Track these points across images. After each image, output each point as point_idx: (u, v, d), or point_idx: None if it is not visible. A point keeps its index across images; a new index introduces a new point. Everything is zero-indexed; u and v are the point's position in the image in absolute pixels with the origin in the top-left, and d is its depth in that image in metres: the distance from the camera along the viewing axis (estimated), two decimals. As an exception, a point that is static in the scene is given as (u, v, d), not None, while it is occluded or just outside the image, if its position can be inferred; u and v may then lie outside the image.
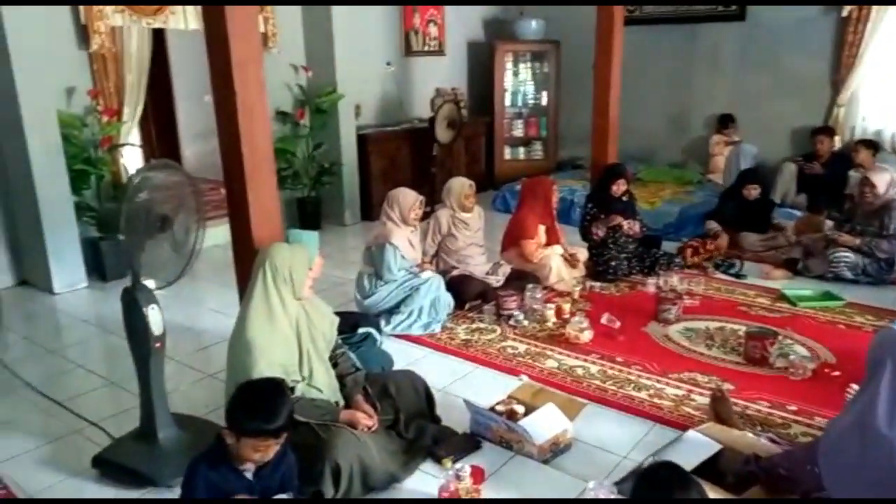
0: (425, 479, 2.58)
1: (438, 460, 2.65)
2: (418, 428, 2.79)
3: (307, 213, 6.27)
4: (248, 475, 1.99)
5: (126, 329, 2.59)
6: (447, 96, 7.16)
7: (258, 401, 1.94)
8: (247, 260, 2.81)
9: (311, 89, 6.17)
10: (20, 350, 3.82)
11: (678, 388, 3.23)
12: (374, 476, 2.47)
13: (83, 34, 4.73)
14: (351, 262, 4.90)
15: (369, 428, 2.59)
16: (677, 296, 4.15)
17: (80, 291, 4.68)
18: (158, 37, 6.06)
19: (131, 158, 5.36)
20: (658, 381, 3.29)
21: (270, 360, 2.49)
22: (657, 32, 7.31)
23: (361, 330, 3.53)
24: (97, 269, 4.87)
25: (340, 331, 2.87)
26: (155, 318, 2.54)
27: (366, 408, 2.69)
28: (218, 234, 4.20)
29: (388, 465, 2.53)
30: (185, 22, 5.20)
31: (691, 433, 2.64)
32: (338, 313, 2.95)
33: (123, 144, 5.05)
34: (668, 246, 5.18)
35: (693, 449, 2.50)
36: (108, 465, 2.58)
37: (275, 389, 2.00)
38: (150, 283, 2.56)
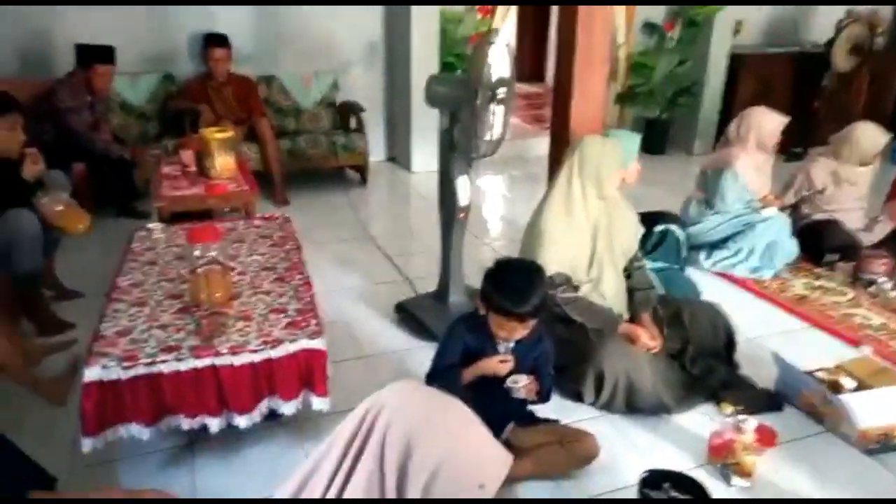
0: (699, 420, 2.27)
1: (718, 402, 2.30)
2: (707, 367, 2.45)
3: (653, 136, 5.87)
4: (501, 348, 1.97)
5: (438, 195, 2.76)
6: (859, 18, 5.82)
7: (511, 281, 1.86)
8: (561, 156, 2.72)
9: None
10: (373, 210, 4.48)
11: None
12: (640, 397, 2.26)
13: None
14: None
15: (649, 349, 2.36)
16: None
17: (432, 174, 5.22)
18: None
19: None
20: None
21: (559, 254, 2.41)
22: None
23: (659, 228, 3.19)
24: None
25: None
26: (463, 188, 2.65)
27: (650, 327, 2.46)
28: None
29: (661, 393, 2.28)
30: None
31: None
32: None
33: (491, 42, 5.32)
34: None
35: None
36: (405, 313, 2.86)
37: (531, 274, 1.89)
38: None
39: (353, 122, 4.92)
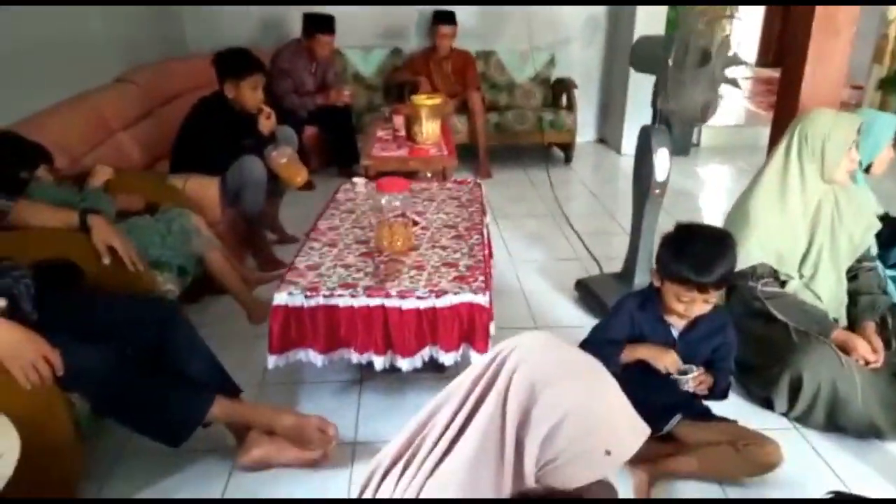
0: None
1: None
2: (946, 394, 2.01)
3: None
4: (674, 331, 1.80)
5: (634, 168, 2.60)
6: None
7: (694, 246, 1.65)
8: (784, 129, 2.40)
9: None
10: (573, 189, 4.38)
11: None
12: (847, 414, 1.93)
13: None
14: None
15: (867, 363, 2.00)
16: None
17: (642, 158, 4.97)
18: None
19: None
20: None
21: (764, 241, 2.14)
22: None
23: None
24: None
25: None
26: (661, 161, 2.46)
27: (873, 338, 2.07)
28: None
29: (874, 414, 1.93)
30: None
31: None
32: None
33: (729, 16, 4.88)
34: None
35: None
36: (585, 290, 2.76)
37: (718, 241, 1.67)
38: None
39: (564, 100, 4.83)
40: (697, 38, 2.26)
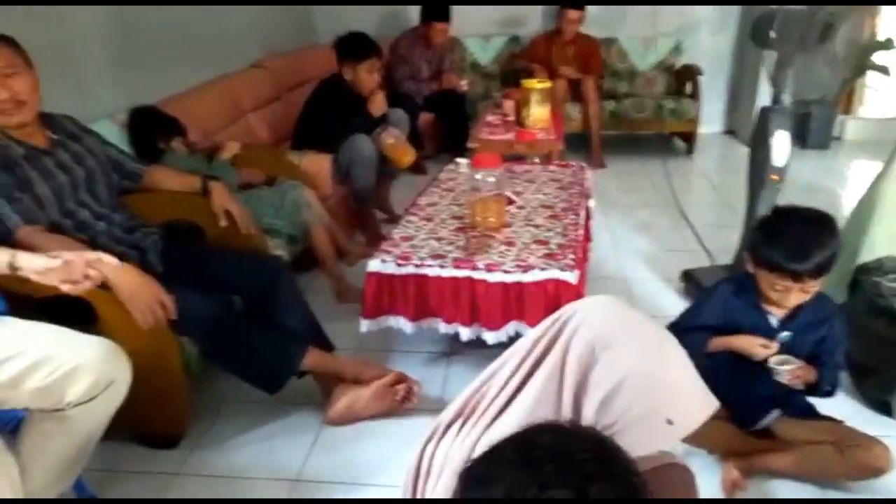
0: None
1: None
2: None
3: None
4: (773, 320, 1.67)
5: (750, 152, 2.44)
6: None
7: (790, 230, 1.52)
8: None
9: None
10: (692, 180, 4.18)
11: None
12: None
13: None
14: None
15: None
16: None
17: (775, 151, 4.63)
18: None
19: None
20: None
21: (892, 232, 1.94)
22: None
23: None
24: (800, 133, 4.66)
25: None
26: (780, 144, 2.29)
27: None
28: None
29: None
30: None
31: None
32: None
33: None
34: None
35: None
36: (691, 282, 2.63)
37: (819, 225, 1.53)
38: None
39: (688, 88, 4.61)
40: (819, 12, 2.09)
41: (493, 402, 1.14)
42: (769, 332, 1.67)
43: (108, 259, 1.47)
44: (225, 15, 3.72)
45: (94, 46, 2.70)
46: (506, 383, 1.19)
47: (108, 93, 2.71)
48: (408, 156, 3.10)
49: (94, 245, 1.77)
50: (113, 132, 2.42)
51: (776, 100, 2.31)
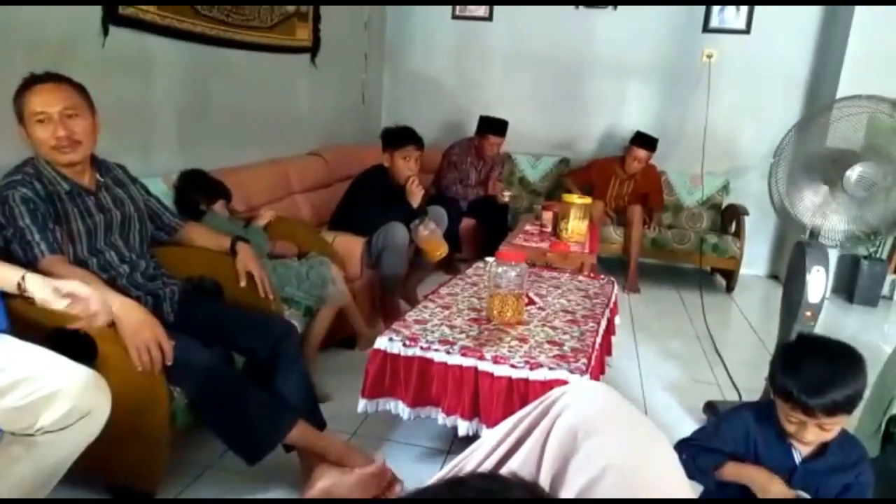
0: None
1: None
2: None
3: None
4: (796, 456, 1.53)
5: (784, 287, 2.37)
6: None
7: (809, 360, 1.42)
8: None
9: None
10: (729, 317, 4.08)
11: None
12: None
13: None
14: None
15: None
16: None
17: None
18: None
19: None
20: None
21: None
22: None
23: None
24: (849, 288, 4.54)
25: None
26: (816, 280, 2.21)
27: None
28: None
29: None
30: None
31: None
32: None
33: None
34: None
35: None
36: (713, 414, 2.47)
37: (843, 359, 1.42)
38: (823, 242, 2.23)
39: (733, 227, 4.59)
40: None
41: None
42: (790, 469, 1.52)
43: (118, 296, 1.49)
44: (293, 102, 3.97)
45: (170, 111, 2.91)
46: (485, 458, 1.11)
47: (169, 155, 2.89)
48: (440, 250, 3.12)
49: (113, 286, 1.81)
50: (161, 189, 2.54)
51: (813, 234, 2.26)
